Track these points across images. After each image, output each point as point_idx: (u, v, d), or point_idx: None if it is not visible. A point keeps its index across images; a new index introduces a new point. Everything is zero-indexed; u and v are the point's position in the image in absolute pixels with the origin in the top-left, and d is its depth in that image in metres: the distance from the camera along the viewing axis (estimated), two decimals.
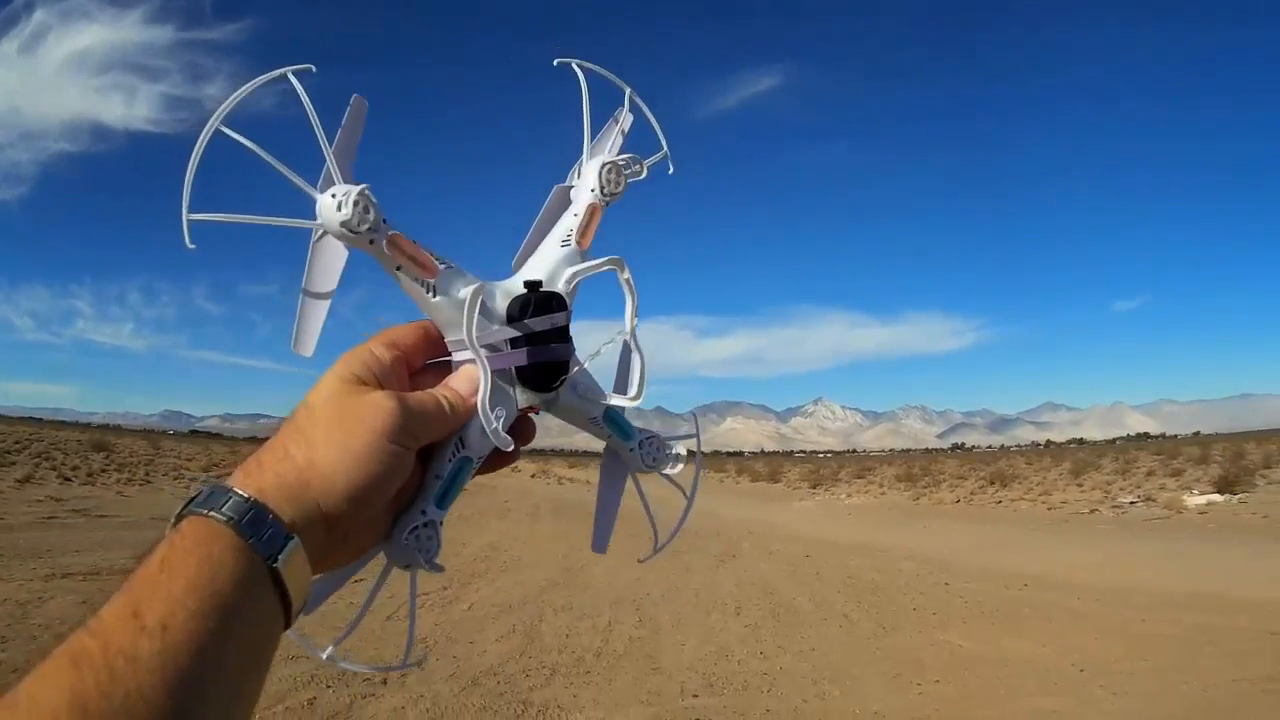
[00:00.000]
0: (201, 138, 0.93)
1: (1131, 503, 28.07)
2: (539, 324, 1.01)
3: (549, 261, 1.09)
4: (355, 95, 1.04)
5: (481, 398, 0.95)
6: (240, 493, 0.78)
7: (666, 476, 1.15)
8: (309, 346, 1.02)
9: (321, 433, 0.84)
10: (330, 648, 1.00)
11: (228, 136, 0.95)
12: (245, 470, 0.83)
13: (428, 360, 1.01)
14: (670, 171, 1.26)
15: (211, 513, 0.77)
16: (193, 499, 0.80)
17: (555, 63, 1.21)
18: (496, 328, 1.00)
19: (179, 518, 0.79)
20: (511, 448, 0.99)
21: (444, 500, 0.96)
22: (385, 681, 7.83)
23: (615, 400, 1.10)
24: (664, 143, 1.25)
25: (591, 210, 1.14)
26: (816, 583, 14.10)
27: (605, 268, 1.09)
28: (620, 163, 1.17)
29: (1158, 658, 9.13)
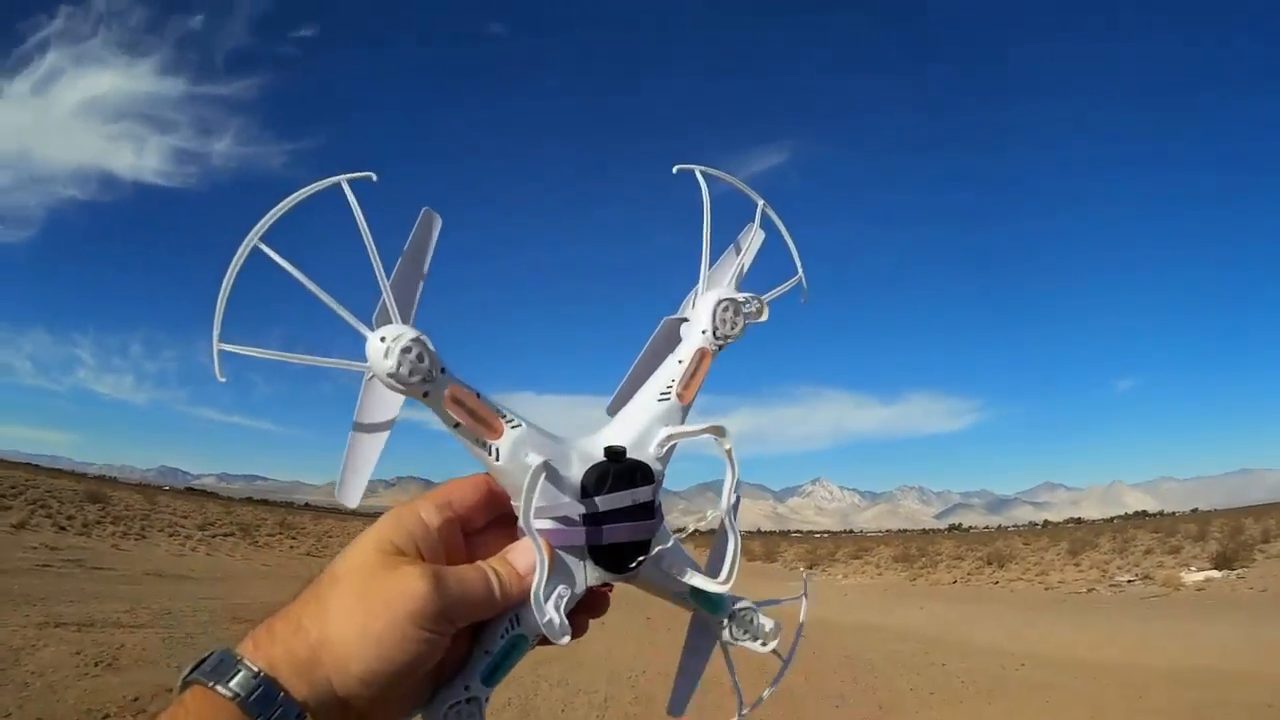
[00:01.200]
0: (237, 258, 0.83)
1: (1129, 581, 28.02)
2: (616, 501, 0.90)
3: (642, 419, 0.97)
4: (425, 209, 0.93)
5: (535, 589, 0.84)
6: (250, 665, 0.75)
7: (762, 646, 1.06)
8: (354, 497, 0.91)
9: (341, 608, 0.78)
10: None
11: (268, 251, 0.85)
12: (256, 639, 0.78)
13: (491, 517, 0.92)
14: (804, 301, 1.13)
15: (218, 686, 0.74)
16: (199, 664, 0.77)
17: (675, 170, 1.06)
18: (566, 501, 0.89)
19: (184, 684, 0.76)
20: (568, 640, 0.88)
21: (492, 678, 0.89)
22: None
23: (700, 583, 0.99)
24: (799, 266, 1.13)
25: (700, 356, 1.01)
26: (813, 662, 14.00)
27: (704, 434, 0.96)
28: (740, 300, 1.03)
29: None
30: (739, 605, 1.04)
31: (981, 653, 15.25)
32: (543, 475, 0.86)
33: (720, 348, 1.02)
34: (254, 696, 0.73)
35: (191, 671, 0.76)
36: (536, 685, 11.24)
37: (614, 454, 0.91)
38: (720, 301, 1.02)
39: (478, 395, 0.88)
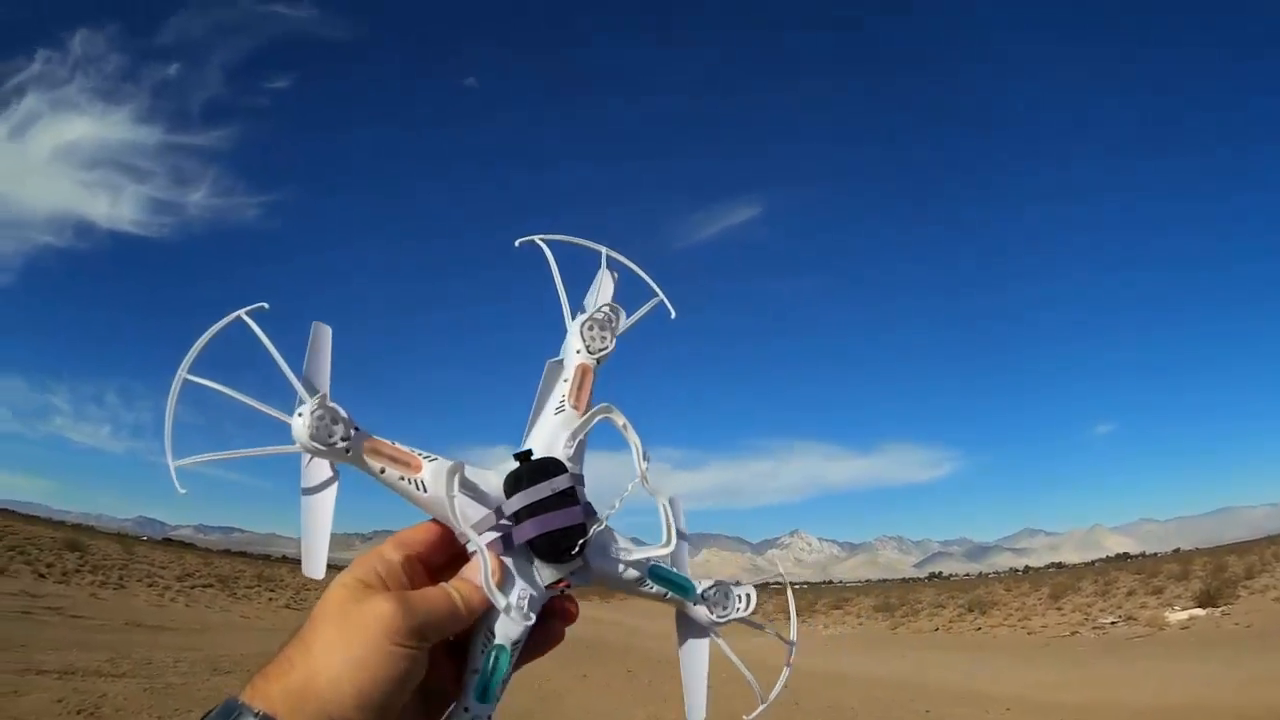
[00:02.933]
0: (172, 393, 0.99)
1: (1112, 623, 28.15)
2: (536, 493, 1.01)
3: (546, 431, 1.10)
4: (315, 323, 1.08)
5: (484, 576, 0.94)
6: (251, 709, 0.84)
7: (747, 621, 1.16)
8: (319, 569, 1.02)
9: (323, 642, 0.89)
10: None
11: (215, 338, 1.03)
12: (254, 684, 0.88)
13: (448, 555, 1.03)
14: (673, 316, 1.27)
15: None
16: (207, 715, 0.85)
17: (517, 244, 1.24)
18: (486, 513, 1.02)
19: None
20: (531, 619, 0.99)
21: (485, 694, 0.98)
22: None
23: (642, 553, 1.08)
24: (656, 289, 1.26)
25: (581, 371, 1.15)
26: (796, 713, 14.03)
27: (599, 418, 1.10)
28: (599, 317, 1.18)
29: None
30: (707, 585, 1.14)
31: (965, 699, 15.33)
32: (457, 474, 1.00)
33: (599, 361, 1.17)
34: None
35: None
36: None
37: (522, 457, 1.05)
38: (584, 321, 1.18)
39: (391, 442, 1.02)
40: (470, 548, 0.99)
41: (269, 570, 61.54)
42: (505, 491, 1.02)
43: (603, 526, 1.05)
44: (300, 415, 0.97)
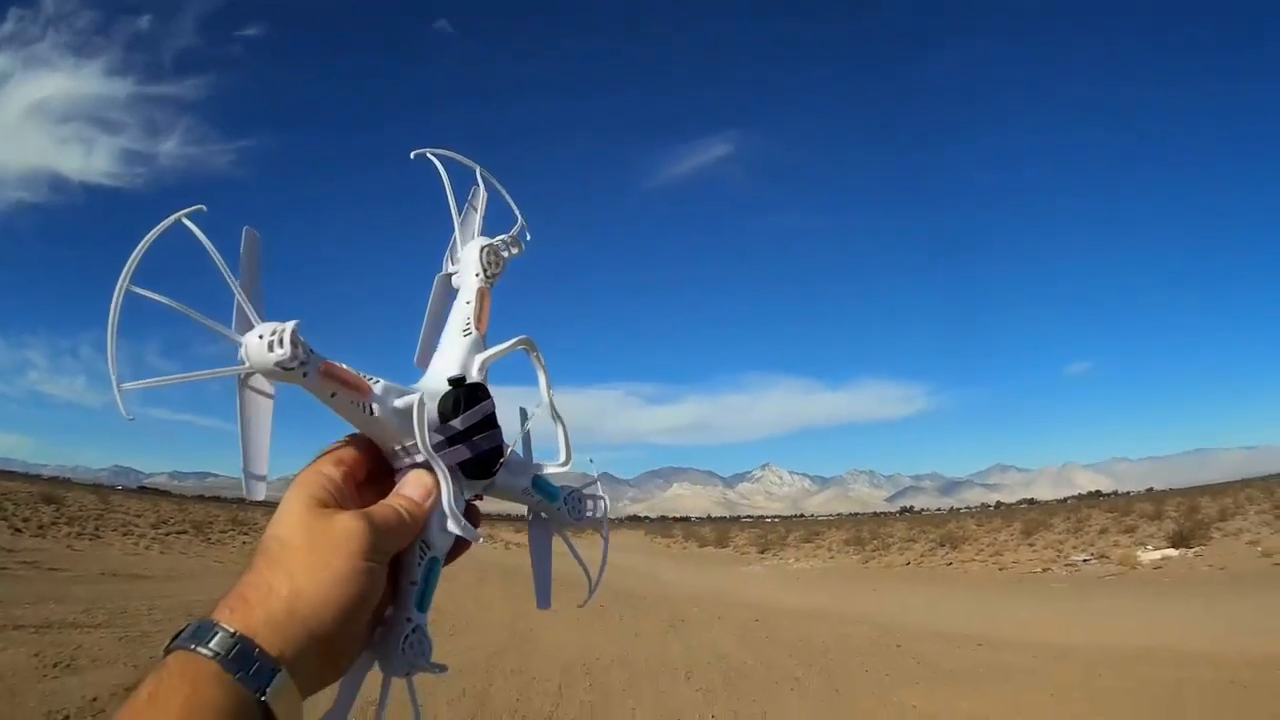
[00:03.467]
0: (114, 305, 0.93)
1: (1085, 560, 28.41)
2: (472, 418, 1.08)
3: (458, 352, 1.16)
4: (246, 229, 1.05)
5: (448, 500, 1.02)
6: (226, 627, 0.84)
7: (594, 520, 1.25)
8: (260, 491, 1.02)
9: (300, 563, 0.90)
10: None
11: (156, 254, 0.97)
12: (230, 606, 0.87)
13: (369, 469, 1.06)
14: (527, 239, 1.34)
15: (198, 648, 0.83)
16: (179, 634, 0.86)
17: (412, 155, 1.29)
18: (438, 431, 1.06)
19: (166, 651, 0.85)
20: (482, 539, 1.08)
21: (423, 603, 1.04)
22: None
23: (550, 469, 1.20)
24: (519, 214, 1.34)
25: (481, 295, 1.22)
26: (767, 646, 14.04)
27: (516, 348, 1.19)
28: (498, 244, 1.27)
29: (1118, 713, 9.18)
30: (569, 491, 1.22)
31: (937, 634, 15.36)
32: (425, 406, 1.04)
33: (491, 285, 1.24)
34: (231, 655, 0.82)
35: (174, 640, 0.85)
36: (492, 675, 11.23)
37: (456, 382, 1.10)
38: (483, 248, 1.25)
39: (343, 366, 1.01)
40: (400, 466, 1.06)
41: (243, 514, 63.12)
42: (442, 415, 1.07)
43: (511, 449, 1.14)
44: (261, 337, 0.95)
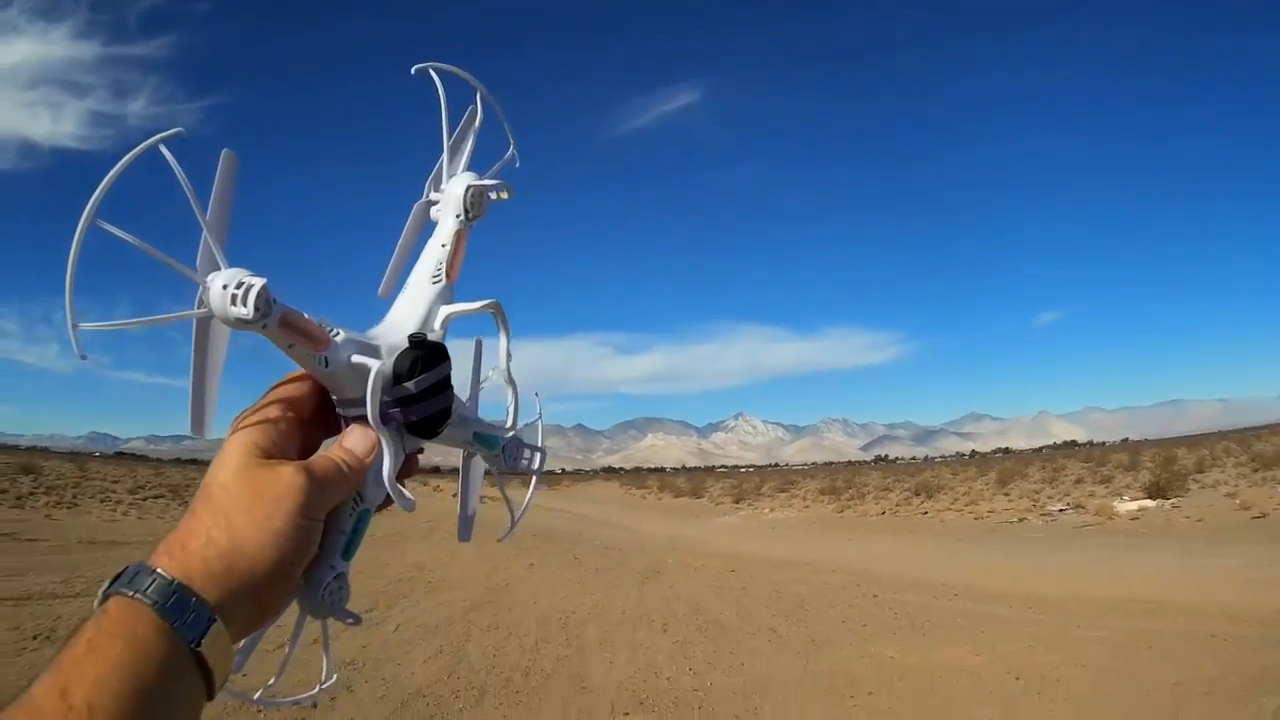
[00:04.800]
0: (77, 235, 0.89)
1: (1061, 510, 28.70)
2: (426, 380, 1.05)
3: (422, 300, 1.14)
4: (225, 151, 1.01)
5: (388, 472, 1.01)
6: (164, 574, 0.84)
7: (528, 469, 1.27)
8: (208, 428, 1.05)
9: (241, 513, 0.89)
10: (259, 691, 1.08)
11: (122, 182, 0.92)
12: (169, 551, 0.87)
13: (314, 410, 1.06)
14: (516, 165, 1.32)
15: (136, 594, 0.83)
16: (118, 577, 0.86)
17: (413, 70, 1.22)
18: (390, 391, 1.04)
19: (105, 596, 0.85)
20: (415, 508, 1.07)
21: (349, 552, 1.02)
22: (315, 706, 7.68)
23: (489, 429, 1.20)
24: (512, 141, 1.32)
25: (458, 237, 1.19)
26: (743, 598, 14.14)
27: (482, 311, 1.16)
28: (486, 185, 1.22)
29: (1095, 664, 9.29)
30: (507, 438, 1.22)
31: (913, 584, 15.48)
32: (381, 378, 1.01)
33: (471, 226, 1.21)
34: (170, 603, 0.82)
35: (111, 584, 0.85)
36: (468, 631, 11.32)
37: (416, 341, 1.06)
38: (469, 189, 1.20)
39: (304, 316, 0.98)
40: (347, 414, 1.04)
41: None
42: (398, 375, 1.04)
43: (462, 408, 1.14)
44: (226, 288, 0.92)
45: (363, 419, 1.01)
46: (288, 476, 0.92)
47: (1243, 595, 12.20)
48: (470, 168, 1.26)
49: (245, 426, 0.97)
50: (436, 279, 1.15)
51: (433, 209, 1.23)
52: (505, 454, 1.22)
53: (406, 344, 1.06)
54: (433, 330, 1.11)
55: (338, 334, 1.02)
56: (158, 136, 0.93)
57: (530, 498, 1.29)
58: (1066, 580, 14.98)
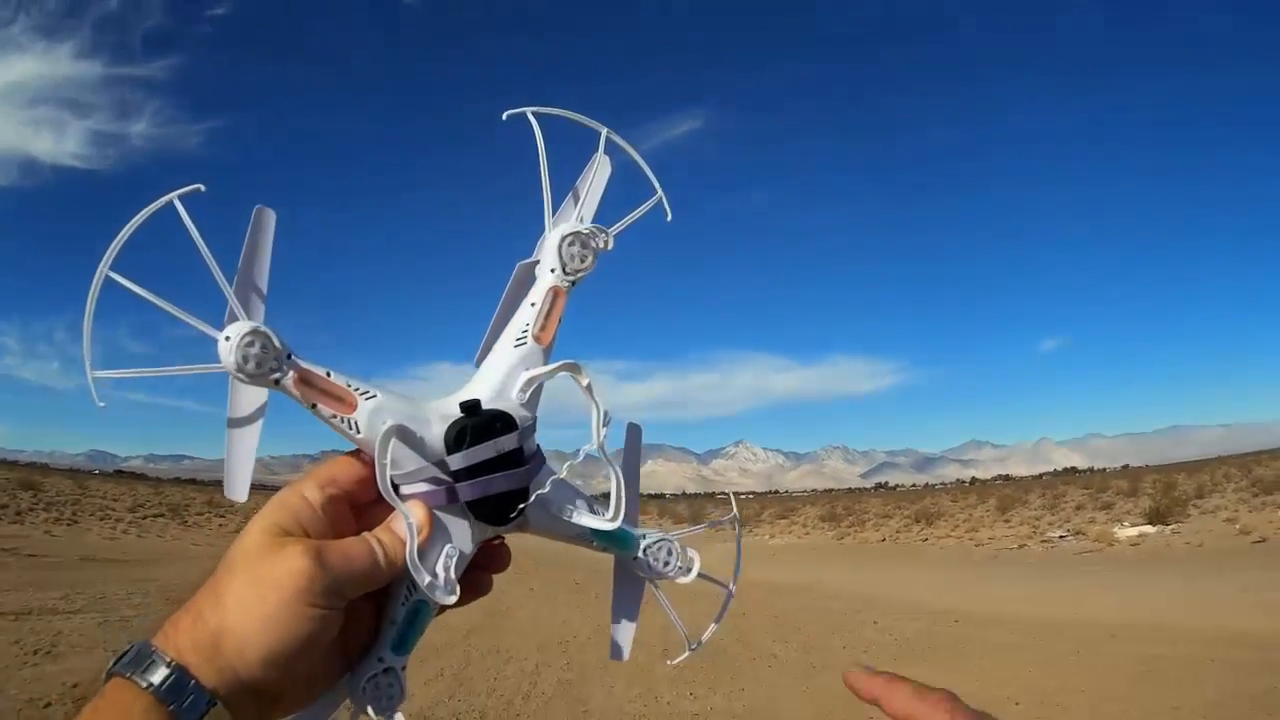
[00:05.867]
0: (92, 289, 0.88)
1: (1061, 537, 28.70)
2: (479, 454, 0.92)
3: (501, 367, 0.99)
4: (258, 207, 0.95)
5: (410, 554, 0.88)
6: (163, 655, 0.80)
7: (680, 573, 1.08)
8: (241, 491, 0.95)
9: (234, 595, 0.83)
10: None
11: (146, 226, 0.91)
12: (165, 631, 0.83)
13: (377, 491, 0.92)
14: (669, 219, 1.12)
15: (134, 676, 0.79)
16: (120, 658, 0.81)
17: (505, 116, 1.06)
18: (428, 463, 0.92)
19: (108, 675, 0.81)
20: (453, 600, 0.92)
21: (401, 646, 0.93)
22: None
23: (589, 521, 1.00)
24: (656, 184, 1.11)
25: (553, 295, 1.02)
26: (743, 623, 14.10)
27: (560, 373, 0.98)
28: (585, 233, 1.03)
29: (1094, 688, 9.30)
30: (650, 540, 1.06)
31: (913, 610, 15.49)
32: (392, 439, 0.89)
33: (573, 283, 1.03)
34: (166, 685, 0.78)
35: (114, 665, 0.81)
36: (468, 655, 11.28)
37: (469, 408, 0.93)
38: (564, 237, 1.02)
39: (327, 374, 0.92)
40: (407, 490, 0.92)
41: (219, 496, 62.53)
42: (446, 445, 0.92)
43: (546, 489, 0.96)
44: (229, 339, 0.87)
45: (415, 496, 0.91)
46: (291, 558, 0.83)
47: (1242, 619, 12.21)
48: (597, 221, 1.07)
49: (272, 503, 0.89)
50: (521, 342, 1.00)
51: (536, 268, 1.04)
52: (650, 560, 1.06)
53: (459, 412, 0.94)
54: (507, 399, 0.97)
55: (371, 396, 0.92)
56: (174, 193, 0.90)
57: (720, 617, 1.12)
58: (1066, 606, 14.99)
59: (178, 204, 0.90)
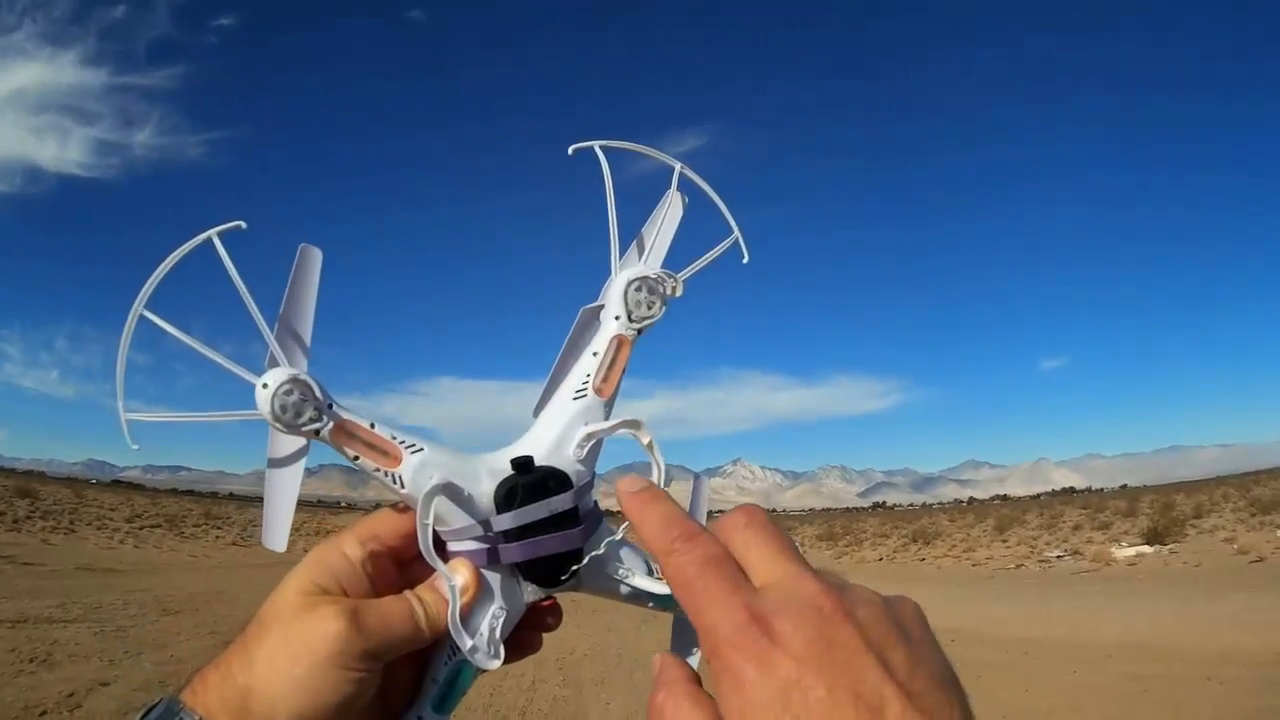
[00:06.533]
0: (126, 330, 0.86)
1: (1058, 556, 28.61)
2: (530, 514, 0.88)
3: (559, 421, 0.94)
4: (303, 245, 0.92)
5: (452, 616, 0.84)
6: (191, 714, 0.78)
7: None
8: (279, 540, 0.91)
9: (265, 655, 0.80)
10: None
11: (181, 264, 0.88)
12: (193, 686, 0.81)
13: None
14: (745, 260, 1.06)
15: None
16: (148, 713, 0.80)
17: (571, 151, 1.00)
18: (475, 522, 0.88)
19: None
20: (497, 665, 0.88)
21: (442, 707, 0.88)
22: None
23: (642, 584, 0.95)
24: (734, 225, 1.06)
25: (617, 344, 0.97)
26: None
27: (620, 431, 0.94)
28: (652, 277, 0.98)
29: (1091, 708, 9.27)
30: None
31: None
32: (435, 498, 0.85)
33: (640, 331, 0.98)
34: None
35: (142, 718, 0.79)
36: None
37: (521, 464, 0.89)
38: (631, 282, 0.97)
39: (370, 426, 0.88)
40: (454, 547, 0.89)
41: (216, 508, 64.55)
42: (496, 504, 0.88)
43: (601, 551, 0.92)
44: (266, 386, 0.84)
45: (462, 555, 0.88)
46: (325, 620, 0.80)
47: (1239, 639, 12.15)
48: (667, 264, 1.02)
49: (309, 559, 0.87)
50: (581, 394, 0.95)
51: (601, 312, 0.99)
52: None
53: (510, 468, 0.90)
54: (563, 455, 0.92)
55: (418, 450, 0.89)
56: (213, 230, 0.88)
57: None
58: (1063, 625, 14.92)
59: (216, 241, 0.88)
